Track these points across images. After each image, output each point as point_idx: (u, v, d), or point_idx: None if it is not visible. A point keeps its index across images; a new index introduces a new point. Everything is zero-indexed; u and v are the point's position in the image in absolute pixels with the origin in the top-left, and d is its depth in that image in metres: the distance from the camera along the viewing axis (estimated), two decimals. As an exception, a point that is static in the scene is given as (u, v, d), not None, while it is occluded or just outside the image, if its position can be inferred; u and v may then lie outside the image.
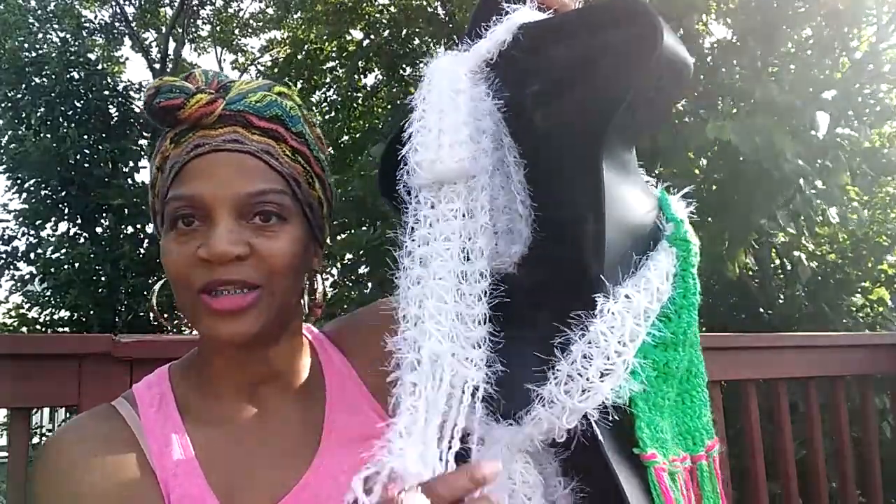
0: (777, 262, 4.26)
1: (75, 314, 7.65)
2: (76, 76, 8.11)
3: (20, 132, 7.92)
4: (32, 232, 8.09)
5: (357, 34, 7.00)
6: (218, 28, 11.45)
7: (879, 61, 3.66)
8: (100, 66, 8.48)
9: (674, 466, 0.56)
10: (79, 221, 8.01)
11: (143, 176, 8.34)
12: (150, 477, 0.66)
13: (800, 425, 2.05)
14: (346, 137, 7.14)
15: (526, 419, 0.56)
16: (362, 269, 5.30)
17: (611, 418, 0.54)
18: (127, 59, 11.83)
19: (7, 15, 8.69)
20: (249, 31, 11.55)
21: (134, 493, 0.65)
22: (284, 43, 9.57)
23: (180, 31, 10.82)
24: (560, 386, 0.54)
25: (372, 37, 6.58)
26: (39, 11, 9.28)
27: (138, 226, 7.93)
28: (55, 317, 7.96)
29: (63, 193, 7.84)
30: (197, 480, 0.67)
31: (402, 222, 0.62)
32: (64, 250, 7.68)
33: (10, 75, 7.93)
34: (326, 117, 7.41)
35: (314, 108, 7.51)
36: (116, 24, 10.70)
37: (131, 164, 8.25)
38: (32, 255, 7.97)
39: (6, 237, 8.05)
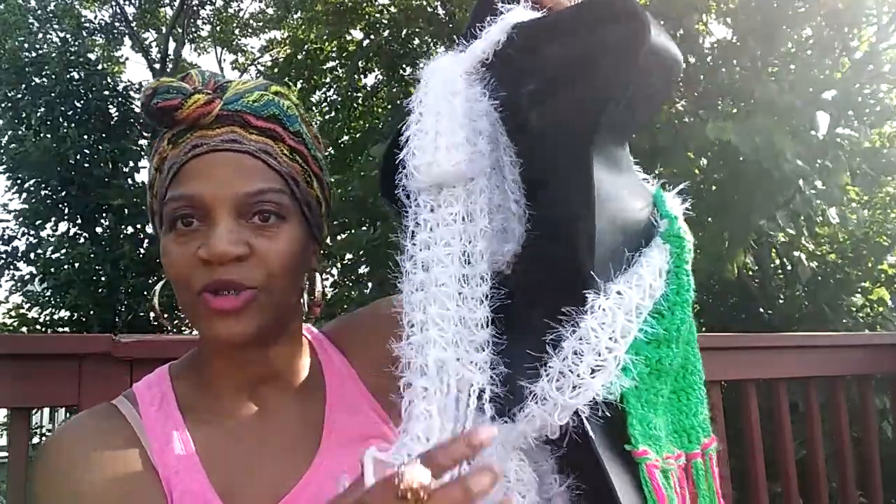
0: (777, 262, 4.26)
1: (75, 314, 7.66)
2: (76, 76, 8.12)
3: (20, 132, 7.93)
4: (32, 232, 8.10)
5: (357, 34, 7.00)
6: (218, 28, 11.45)
7: (879, 61, 3.66)
8: (100, 66, 8.49)
9: (667, 464, 0.56)
10: (79, 221, 8.02)
11: (143, 176, 8.35)
12: (152, 474, 0.67)
13: (800, 425, 2.05)
14: (346, 137, 7.15)
15: (519, 416, 0.56)
16: (362, 269, 5.31)
17: (603, 415, 0.54)
18: (127, 59, 11.83)
19: (7, 15, 8.70)
20: (249, 31, 11.56)
21: (136, 490, 0.65)
22: (284, 43, 9.57)
23: (180, 31, 10.83)
24: (552, 383, 0.54)
25: (372, 37, 6.58)
26: (39, 11, 9.29)
27: (138, 226, 7.94)
28: (55, 317, 7.97)
29: (63, 193, 7.85)
30: (198, 477, 0.67)
31: (402, 226, 0.62)
32: (64, 250, 7.69)
33: (10, 75, 7.94)
34: (326, 117, 7.42)
35: (314, 108, 7.51)
36: (116, 24, 10.71)
37: (131, 164, 8.26)
38: (32, 255, 7.98)
39: (6, 237, 8.06)
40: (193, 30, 11.40)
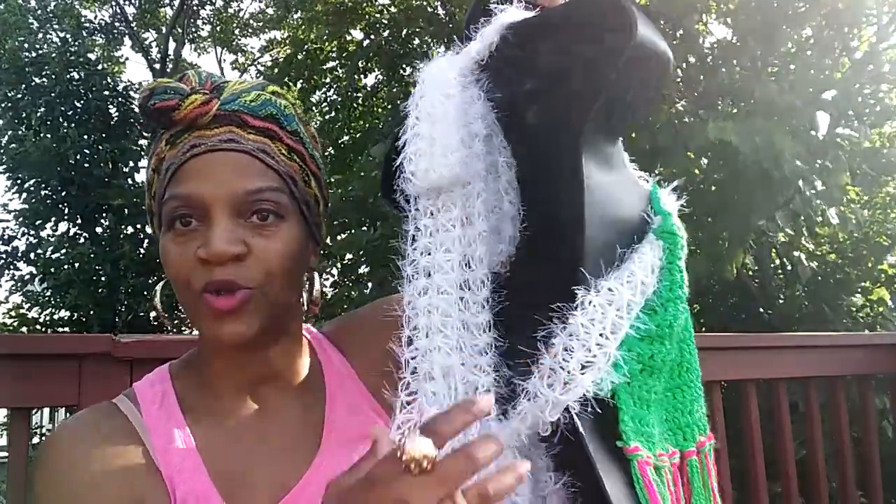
0: (777, 262, 4.26)
1: (75, 314, 7.67)
2: (76, 76, 8.13)
3: (20, 132, 7.94)
4: (32, 232, 8.11)
5: (357, 34, 7.00)
6: (218, 28, 11.46)
7: (879, 61, 3.66)
8: (100, 66, 8.50)
9: (660, 461, 0.56)
10: (79, 221, 8.03)
11: (143, 176, 8.32)
12: (155, 473, 0.66)
13: (800, 425, 2.04)
14: (346, 137, 7.15)
15: (512, 414, 0.56)
16: (362, 269, 5.31)
17: (595, 411, 0.54)
18: (127, 59, 11.86)
19: (7, 15, 8.71)
20: (249, 31, 11.56)
21: (138, 488, 0.65)
22: (284, 43, 9.57)
23: (180, 31, 10.83)
24: (543, 379, 0.54)
25: (372, 37, 6.58)
26: (39, 11, 9.29)
27: (138, 226, 7.94)
28: (55, 317, 7.97)
29: (63, 193, 7.86)
30: (201, 477, 0.67)
31: (403, 230, 0.62)
32: (64, 250, 7.69)
33: (10, 75, 7.95)
34: (326, 117, 7.41)
35: (314, 108, 7.51)
36: (116, 24, 10.72)
37: (131, 164, 8.27)
38: (32, 255, 7.99)
39: (6, 237, 8.07)
40: (193, 30, 11.41)
